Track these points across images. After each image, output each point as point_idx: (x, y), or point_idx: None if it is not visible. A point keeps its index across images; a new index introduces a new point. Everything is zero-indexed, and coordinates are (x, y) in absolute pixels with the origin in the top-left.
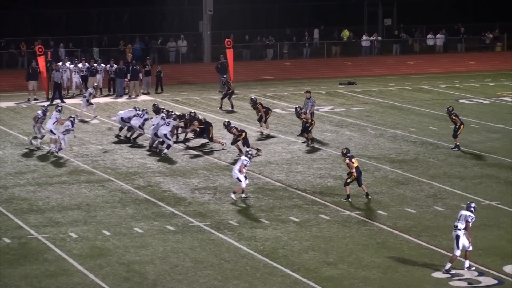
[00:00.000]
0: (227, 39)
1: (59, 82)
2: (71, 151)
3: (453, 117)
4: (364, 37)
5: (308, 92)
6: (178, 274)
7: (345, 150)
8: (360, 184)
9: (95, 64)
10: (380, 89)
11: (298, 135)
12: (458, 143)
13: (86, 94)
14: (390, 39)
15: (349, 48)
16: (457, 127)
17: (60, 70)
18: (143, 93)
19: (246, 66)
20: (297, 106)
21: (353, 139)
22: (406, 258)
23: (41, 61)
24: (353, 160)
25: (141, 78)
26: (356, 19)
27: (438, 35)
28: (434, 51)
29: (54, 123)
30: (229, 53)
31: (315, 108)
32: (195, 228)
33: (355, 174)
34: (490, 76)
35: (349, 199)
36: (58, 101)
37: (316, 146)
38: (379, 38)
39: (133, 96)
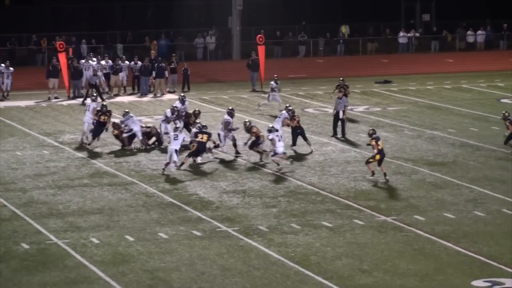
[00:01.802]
0: (258, 35)
1: (94, 83)
2: (93, 152)
3: (508, 123)
4: (401, 34)
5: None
6: (205, 282)
7: (372, 131)
8: (379, 165)
9: (119, 62)
10: (418, 88)
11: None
12: None
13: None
14: (429, 36)
15: (385, 45)
16: (509, 133)
17: (83, 67)
18: (169, 92)
19: (277, 64)
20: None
21: (389, 140)
22: (444, 266)
23: (62, 58)
24: (379, 142)
25: (167, 76)
26: (392, 14)
27: (479, 32)
28: (474, 49)
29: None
30: (261, 50)
31: (349, 108)
32: (223, 233)
33: (378, 156)
34: None
35: (374, 175)
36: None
37: (351, 147)
38: (417, 34)
39: (158, 95)
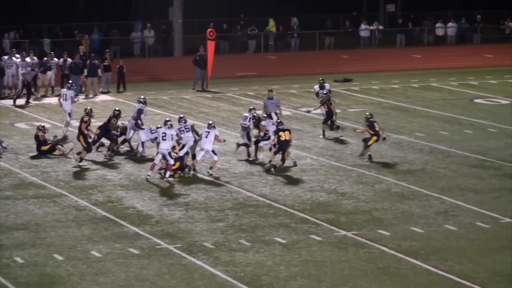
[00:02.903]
0: (209, 29)
1: (28, 81)
2: (17, 160)
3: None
4: (363, 26)
5: (270, 91)
6: None
7: (369, 114)
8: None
9: (45, 59)
10: (382, 87)
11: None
12: None
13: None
14: (393, 29)
15: (345, 39)
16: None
17: (5, 65)
18: (102, 92)
19: (224, 61)
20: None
21: (350, 146)
22: (412, 286)
23: None
24: (375, 124)
25: (100, 74)
26: (353, 5)
27: (450, 24)
28: (445, 43)
29: None
30: (211, 45)
31: (304, 109)
32: (164, 251)
33: (375, 138)
34: (510, 72)
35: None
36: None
37: (307, 154)
38: (381, 27)
39: (90, 96)
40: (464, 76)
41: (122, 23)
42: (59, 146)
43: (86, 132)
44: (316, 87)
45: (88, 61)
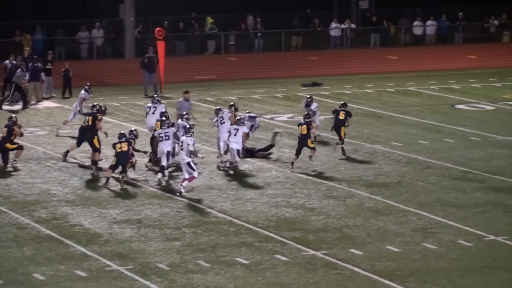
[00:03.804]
0: (157, 28)
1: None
2: None
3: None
4: (333, 25)
5: (187, 92)
6: None
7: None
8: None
9: None
10: (354, 91)
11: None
12: None
13: None
14: (367, 27)
15: (314, 39)
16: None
17: None
18: (44, 98)
19: (181, 63)
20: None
21: (319, 157)
22: None
23: None
24: (340, 113)
25: (44, 78)
26: (322, 1)
27: (429, 22)
28: (423, 43)
29: None
30: (160, 45)
31: (268, 116)
32: (114, 273)
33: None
34: (495, 75)
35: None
36: None
37: (272, 166)
38: (353, 25)
39: (33, 102)
40: (444, 80)
41: (67, 21)
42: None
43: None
44: (303, 103)
45: (31, 64)
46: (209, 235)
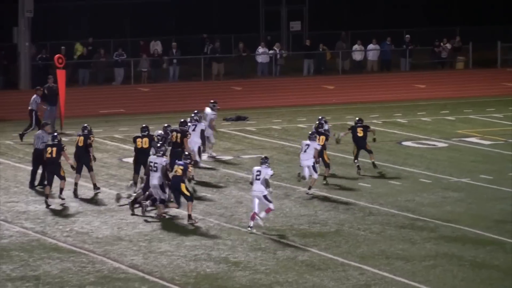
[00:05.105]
0: (57, 55)
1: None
2: None
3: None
4: (260, 49)
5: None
6: None
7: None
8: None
9: None
10: (285, 126)
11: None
12: None
13: None
14: (300, 53)
15: (238, 66)
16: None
17: None
18: None
19: (84, 94)
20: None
21: (244, 202)
22: None
23: None
24: (358, 130)
25: None
26: (248, 22)
27: (371, 46)
28: (364, 70)
29: None
30: (61, 75)
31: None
32: None
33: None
34: (448, 106)
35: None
36: None
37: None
38: (283, 51)
39: None
40: (389, 112)
41: None
42: None
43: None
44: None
45: None
46: None
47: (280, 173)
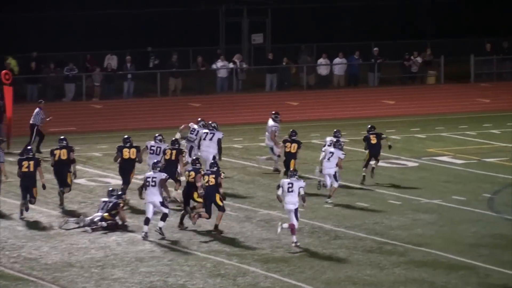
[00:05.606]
0: (4, 71)
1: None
2: None
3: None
4: (219, 63)
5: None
6: None
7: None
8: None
9: None
10: (246, 145)
11: None
12: None
13: None
14: (262, 67)
15: (196, 81)
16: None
17: None
18: None
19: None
20: None
21: (202, 225)
22: None
23: None
24: (371, 137)
25: None
26: (207, 35)
27: (337, 60)
28: (331, 85)
29: None
30: (8, 91)
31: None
32: None
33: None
34: (418, 124)
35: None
36: None
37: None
38: (244, 65)
39: None
40: (356, 130)
41: None
42: None
43: None
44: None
45: None
46: None
47: (241, 194)
